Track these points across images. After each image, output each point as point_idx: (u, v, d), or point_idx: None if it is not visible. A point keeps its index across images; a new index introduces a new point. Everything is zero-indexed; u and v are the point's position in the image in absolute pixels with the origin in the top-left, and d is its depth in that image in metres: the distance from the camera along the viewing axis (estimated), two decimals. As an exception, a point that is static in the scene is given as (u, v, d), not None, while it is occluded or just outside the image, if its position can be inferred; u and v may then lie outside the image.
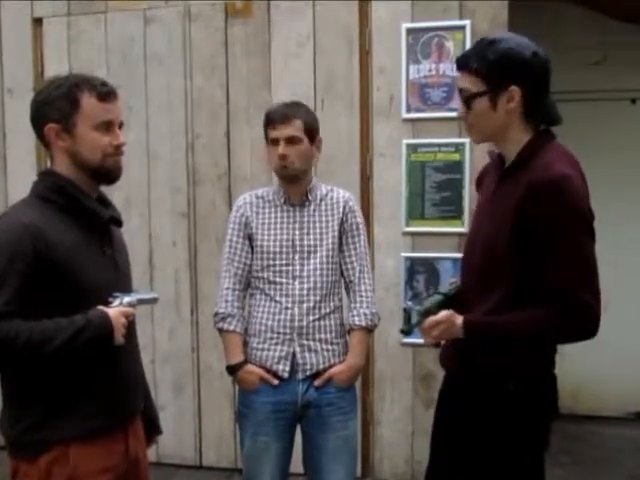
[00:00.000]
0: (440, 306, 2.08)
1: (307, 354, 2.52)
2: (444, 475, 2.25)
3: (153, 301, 2.13)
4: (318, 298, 2.53)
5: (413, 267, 3.71)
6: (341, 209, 2.60)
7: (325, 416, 2.52)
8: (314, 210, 2.59)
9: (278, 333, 2.52)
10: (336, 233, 2.58)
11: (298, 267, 2.53)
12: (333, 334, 2.56)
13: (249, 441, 2.58)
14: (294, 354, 2.52)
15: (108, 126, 1.96)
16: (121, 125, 2.01)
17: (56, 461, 1.88)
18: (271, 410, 2.52)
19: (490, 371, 2.05)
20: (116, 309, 1.90)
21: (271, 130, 2.55)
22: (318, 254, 2.55)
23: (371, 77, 3.73)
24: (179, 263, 4.04)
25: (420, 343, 3.59)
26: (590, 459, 4.21)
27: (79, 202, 1.94)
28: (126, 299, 1.95)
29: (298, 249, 2.54)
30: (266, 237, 2.57)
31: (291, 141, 2.51)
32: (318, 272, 2.54)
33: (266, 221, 2.59)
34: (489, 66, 1.97)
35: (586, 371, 4.57)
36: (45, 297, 1.84)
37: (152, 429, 2.27)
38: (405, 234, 3.72)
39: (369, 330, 2.62)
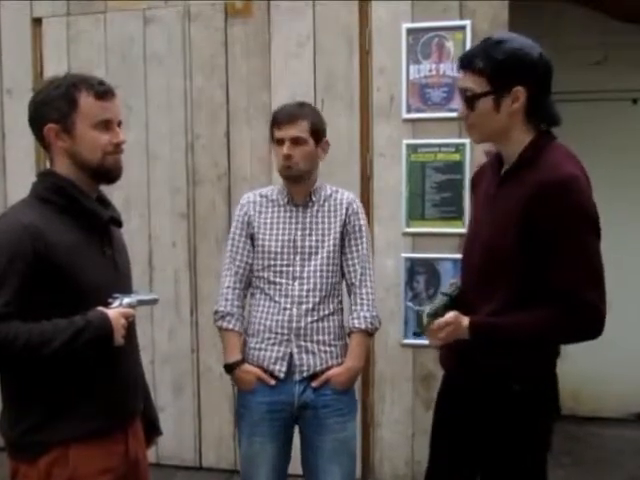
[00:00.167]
0: (446, 308, 2.08)
1: (304, 355, 2.51)
2: (444, 476, 2.25)
3: (153, 302, 2.13)
4: (317, 300, 2.52)
5: (413, 268, 3.70)
6: (344, 211, 2.59)
7: (321, 418, 2.52)
8: (317, 211, 2.58)
9: (276, 333, 2.52)
10: (338, 235, 2.57)
11: (298, 268, 2.53)
12: (332, 336, 2.55)
13: (246, 442, 2.58)
14: (291, 355, 2.51)
15: (107, 124, 1.95)
16: (120, 124, 2.01)
17: (56, 462, 1.87)
18: (266, 410, 2.51)
19: (491, 371, 2.05)
20: (116, 310, 1.90)
21: (276, 130, 2.55)
22: (319, 255, 2.54)
23: (371, 77, 3.72)
24: (179, 264, 4.03)
25: (420, 344, 3.63)
26: (591, 460, 4.20)
27: (79, 202, 1.94)
28: (126, 300, 1.95)
29: (299, 250, 2.54)
30: (268, 237, 2.56)
31: (296, 142, 2.51)
32: (318, 274, 2.53)
33: (268, 221, 2.59)
34: (495, 66, 1.96)
35: (587, 372, 4.57)
36: (45, 298, 1.83)
37: (152, 430, 2.26)
38: (405, 235, 3.72)
39: (369, 333, 2.61)
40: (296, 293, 2.51)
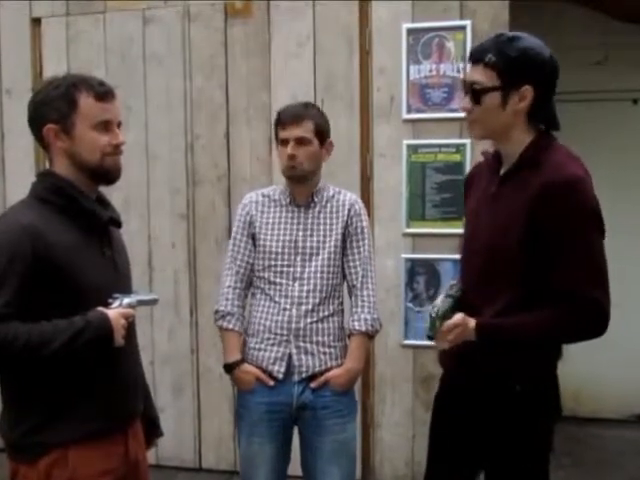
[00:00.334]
0: (452, 310, 2.07)
1: (303, 356, 2.51)
2: (445, 476, 2.24)
3: (153, 302, 2.12)
4: (317, 301, 2.51)
5: (413, 268, 3.69)
6: (346, 212, 2.58)
7: (320, 419, 2.51)
8: (319, 212, 2.58)
9: (275, 334, 2.51)
10: (339, 236, 2.56)
11: (299, 269, 2.52)
12: (331, 337, 2.54)
13: (245, 442, 2.58)
14: (290, 356, 2.51)
15: (106, 126, 1.95)
16: (119, 125, 2.00)
17: (55, 464, 1.87)
18: (265, 411, 2.51)
19: (492, 371, 2.04)
20: (116, 310, 1.90)
21: (281, 130, 2.54)
22: (320, 256, 2.53)
23: (371, 77, 3.71)
24: (178, 264, 4.03)
25: (420, 344, 3.63)
26: (591, 461, 4.20)
27: (78, 203, 1.94)
28: (126, 300, 1.94)
29: (300, 250, 2.53)
30: (269, 237, 2.56)
31: (300, 142, 2.50)
32: (319, 274, 2.52)
33: (270, 221, 2.58)
34: (508, 62, 1.95)
35: (587, 373, 4.56)
36: (44, 298, 1.83)
37: (152, 430, 2.26)
38: (405, 235, 3.71)
39: (370, 336, 2.60)
40: (296, 294, 2.51)
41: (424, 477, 2.31)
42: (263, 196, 2.64)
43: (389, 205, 3.71)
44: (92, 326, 1.82)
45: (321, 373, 2.52)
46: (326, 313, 2.53)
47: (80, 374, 1.89)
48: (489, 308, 2.02)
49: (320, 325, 2.52)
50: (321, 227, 2.56)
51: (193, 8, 3.92)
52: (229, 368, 2.58)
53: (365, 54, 3.72)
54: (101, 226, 2.01)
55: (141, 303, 2.01)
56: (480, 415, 2.08)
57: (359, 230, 2.59)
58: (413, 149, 3.66)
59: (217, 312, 2.60)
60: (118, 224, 2.10)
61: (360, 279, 2.57)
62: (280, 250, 2.53)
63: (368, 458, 3.83)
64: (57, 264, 1.83)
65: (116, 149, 1.97)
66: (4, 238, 1.81)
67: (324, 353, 2.52)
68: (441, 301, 2.08)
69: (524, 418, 2.03)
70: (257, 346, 2.55)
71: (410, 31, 3.63)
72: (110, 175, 1.99)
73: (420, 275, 3.69)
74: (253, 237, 2.59)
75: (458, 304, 2.09)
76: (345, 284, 2.62)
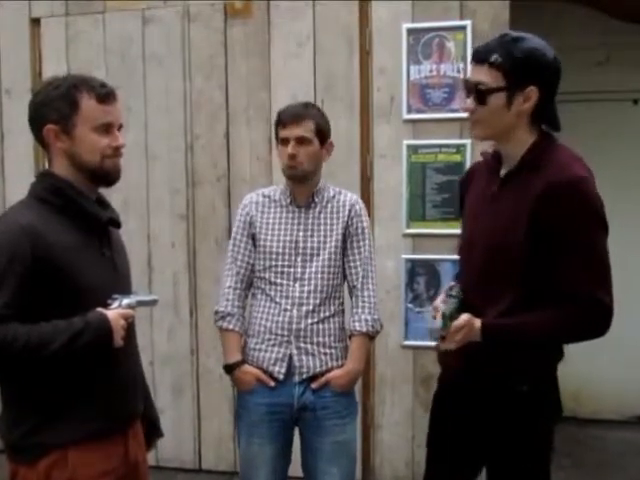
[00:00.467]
0: (458, 310, 2.07)
1: (304, 357, 2.50)
2: (445, 475, 2.24)
3: (152, 303, 2.12)
4: (318, 301, 2.51)
5: (414, 269, 3.69)
6: (347, 212, 2.58)
7: (321, 419, 2.50)
8: (319, 212, 2.57)
9: (276, 335, 2.51)
10: (340, 236, 2.55)
11: (300, 269, 2.51)
12: (332, 338, 2.54)
13: (244, 443, 2.58)
14: (291, 356, 2.50)
15: (107, 128, 1.95)
16: (120, 127, 2.00)
17: (55, 465, 1.87)
18: (265, 412, 2.51)
19: (495, 371, 2.04)
20: (115, 311, 1.89)
21: (281, 129, 2.54)
22: (320, 257, 2.53)
23: (371, 78, 3.71)
24: (178, 265, 4.02)
25: (420, 345, 3.62)
26: (592, 462, 4.19)
27: (77, 203, 1.93)
28: (125, 301, 1.94)
29: (301, 251, 2.52)
30: (269, 237, 2.55)
31: (301, 141, 2.50)
32: (319, 275, 2.51)
33: (270, 221, 2.58)
34: (514, 63, 1.94)
35: (588, 373, 4.56)
36: (44, 299, 1.82)
37: (153, 431, 2.25)
38: (406, 236, 3.70)
39: (370, 337, 2.60)
40: (297, 294, 2.50)
41: (424, 477, 2.31)
42: (263, 196, 2.64)
43: (389, 205, 3.71)
44: (91, 327, 1.82)
45: (322, 374, 2.51)
46: (327, 314, 2.52)
47: (80, 375, 1.88)
48: (492, 308, 2.01)
49: (321, 326, 2.51)
50: (321, 227, 2.55)
51: (193, 8, 3.91)
52: (229, 369, 2.57)
53: (365, 54, 3.71)
54: (100, 226, 2.01)
55: (141, 304, 2.00)
56: (482, 415, 2.08)
57: (360, 230, 2.58)
58: (413, 149, 3.66)
59: (217, 313, 2.60)
60: (117, 224, 2.09)
61: (361, 279, 2.57)
62: (280, 250, 2.53)
63: (368, 459, 3.83)
64: (56, 264, 1.83)
65: (116, 151, 1.97)
66: (3, 238, 1.81)
67: (325, 354, 2.52)
68: (444, 302, 2.07)
69: (526, 418, 2.03)
70: (257, 347, 2.54)
71: (410, 31, 3.62)
72: (109, 177, 1.98)
73: (420, 276, 3.68)
74: (253, 237, 2.59)
75: (462, 305, 2.09)
76: (346, 284, 2.62)
